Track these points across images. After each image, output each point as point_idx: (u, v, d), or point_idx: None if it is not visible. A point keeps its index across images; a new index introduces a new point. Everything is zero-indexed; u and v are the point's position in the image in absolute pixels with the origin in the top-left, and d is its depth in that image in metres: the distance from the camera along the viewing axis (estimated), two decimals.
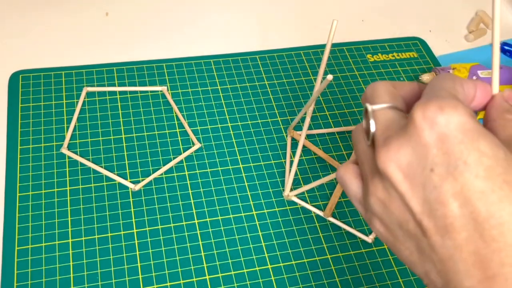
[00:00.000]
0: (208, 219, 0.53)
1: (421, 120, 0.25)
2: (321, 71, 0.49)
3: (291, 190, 0.55)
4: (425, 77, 0.66)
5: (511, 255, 0.24)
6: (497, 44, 0.32)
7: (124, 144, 0.58)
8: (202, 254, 0.51)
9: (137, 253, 0.50)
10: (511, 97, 0.31)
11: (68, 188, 0.54)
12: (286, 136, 0.61)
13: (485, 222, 0.24)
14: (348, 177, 0.32)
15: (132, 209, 0.53)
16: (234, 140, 0.60)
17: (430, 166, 0.25)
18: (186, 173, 0.57)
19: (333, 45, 0.72)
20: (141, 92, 0.63)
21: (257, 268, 0.50)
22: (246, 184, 0.56)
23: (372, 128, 0.29)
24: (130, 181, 0.55)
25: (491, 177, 0.24)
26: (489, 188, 0.24)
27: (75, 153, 0.57)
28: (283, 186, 0.56)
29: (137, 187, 0.54)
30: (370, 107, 0.29)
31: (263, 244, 0.52)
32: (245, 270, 0.50)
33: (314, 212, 0.55)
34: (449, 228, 0.25)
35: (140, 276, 0.49)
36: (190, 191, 0.55)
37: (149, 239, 0.51)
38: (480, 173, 0.24)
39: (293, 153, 0.59)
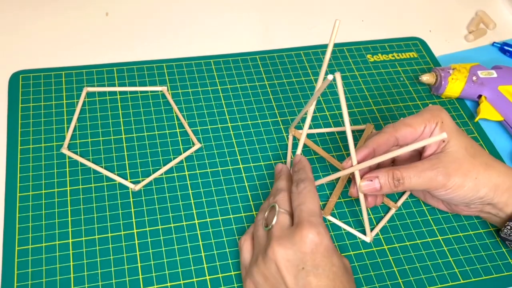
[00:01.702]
0: (208, 219, 0.53)
1: (306, 237, 0.42)
2: (323, 70, 0.49)
3: None
4: (425, 77, 0.66)
5: None
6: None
7: (124, 144, 0.58)
8: (203, 254, 0.51)
9: (137, 253, 0.50)
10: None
11: (68, 188, 0.54)
12: (287, 136, 0.61)
13: None
14: (245, 247, 0.48)
15: (132, 209, 0.53)
16: (234, 140, 0.60)
17: (303, 265, 0.42)
18: (186, 173, 0.57)
19: (334, 45, 0.72)
20: (141, 92, 0.63)
21: None
22: (246, 184, 0.56)
23: (274, 222, 0.45)
24: (130, 181, 0.55)
25: (334, 279, 0.42)
26: (332, 285, 0.42)
27: (75, 153, 0.57)
28: None
29: (137, 187, 0.54)
30: (277, 209, 0.46)
31: None
32: None
33: None
34: None
35: (141, 276, 0.49)
36: (190, 191, 0.55)
37: (149, 240, 0.51)
38: (330, 275, 0.42)
39: (294, 153, 0.59)
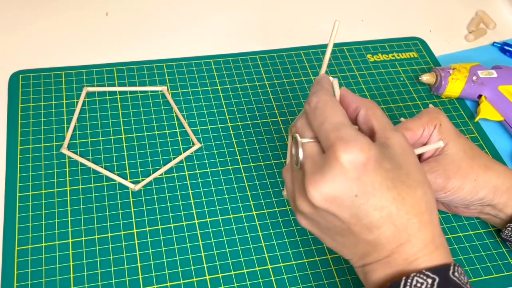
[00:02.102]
0: (208, 219, 0.53)
1: (345, 161, 0.35)
2: (323, 71, 0.49)
3: None
4: (425, 77, 0.66)
5: (413, 232, 0.36)
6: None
7: (124, 144, 0.58)
8: (202, 254, 0.51)
9: (137, 253, 0.50)
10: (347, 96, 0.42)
11: (68, 188, 0.54)
12: (287, 135, 0.61)
13: (397, 216, 0.36)
14: (287, 179, 0.41)
15: (132, 209, 0.53)
16: (234, 140, 0.60)
17: (355, 193, 0.35)
18: (186, 173, 0.57)
19: (334, 45, 0.71)
20: (141, 92, 0.63)
21: (257, 268, 0.50)
22: (246, 184, 0.56)
23: (301, 156, 0.38)
24: (130, 181, 0.55)
25: (395, 186, 0.36)
26: (396, 193, 0.36)
27: (75, 153, 0.57)
28: (283, 186, 0.56)
29: (137, 187, 0.54)
30: (299, 140, 0.38)
31: (263, 244, 0.52)
32: (245, 270, 0.50)
33: None
34: (373, 227, 0.36)
35: (140, 276, 0.49)
36: (190, 191, 0.55)
37: (149, 239, 0.51)
38: (389, 184, 0.36)
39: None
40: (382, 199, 0.36)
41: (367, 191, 0.35)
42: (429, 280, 0.35)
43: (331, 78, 0.43)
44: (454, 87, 0.64)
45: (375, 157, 0.36)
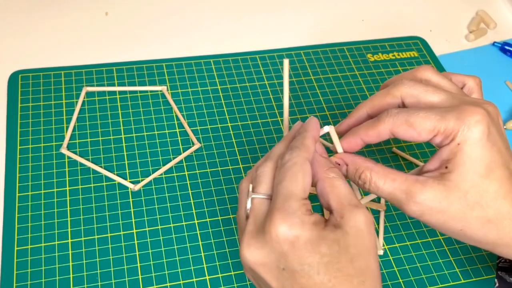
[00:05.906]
0: (208, 219, 0.53)
1: (276, 234, 0.34)
2: (286, 120, 0.45)
3: None
4: None
5: None
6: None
7: (124, 144, 0.58)
8: (202, 254, 0.51)
9: (137, 253, 0.50)
10: (324, 151, 0.41)
11: (67, 188, 0.54)
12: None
13: None
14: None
15: (132, 209, 0.53)
16: (234, 140, 0.60)
17: (283, 266, 0.34)
18: (186, 173, 0.56)
19: (334, 44, 0.72)
20: (141, 92, 0.63)
21: None
22: None
23: (248, 207, 0.37)
24: (130, 181, 0.55)
25: (328, 271, 0.34)
26: (326, 279, 0.34)
27: (75, 153, 0.57)
28: None
29: (137, 187, 0.54)
30: (250, 192, 0.38)
31: None
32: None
33: None
34: None
35: (140, 277, 0.49)
36: (190, 191, 0.55)
37: (148, 240, 0.51)
38: (321, 269, 0.34)
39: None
40: (309, 281, 0.34)
41: (294, 269, 0.34)
42: None
43: (326, 127, 0.41)
44: None
45: (307, 239, 0.34)
